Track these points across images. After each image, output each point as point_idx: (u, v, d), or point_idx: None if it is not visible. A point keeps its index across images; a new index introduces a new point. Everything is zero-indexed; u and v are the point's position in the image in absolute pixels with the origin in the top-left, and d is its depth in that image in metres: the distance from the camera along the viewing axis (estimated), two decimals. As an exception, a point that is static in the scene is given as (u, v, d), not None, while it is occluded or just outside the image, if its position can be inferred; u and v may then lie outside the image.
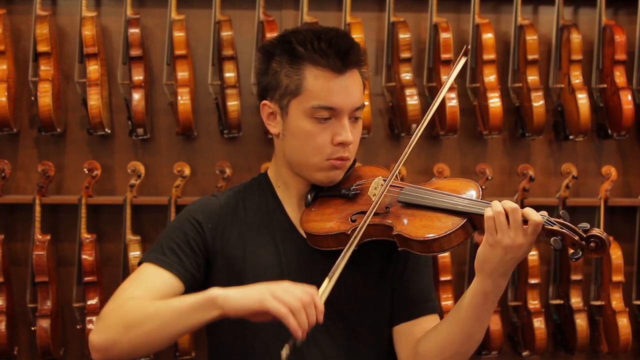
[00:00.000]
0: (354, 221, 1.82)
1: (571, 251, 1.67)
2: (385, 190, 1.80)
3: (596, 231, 1.66)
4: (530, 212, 1.68)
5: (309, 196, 1.91)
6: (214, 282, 1.87)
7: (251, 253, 1.88)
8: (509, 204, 1.69)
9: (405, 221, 1.77)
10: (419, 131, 1.85)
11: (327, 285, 1.68)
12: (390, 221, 1.79)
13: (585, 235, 1.66)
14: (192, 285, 1.85)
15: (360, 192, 1.89)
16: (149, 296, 1.77)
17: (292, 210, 1.93)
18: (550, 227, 1.68)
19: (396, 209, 1.81)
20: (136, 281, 1.82)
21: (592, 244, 1.66)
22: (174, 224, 1.91)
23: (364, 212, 1.82)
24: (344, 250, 1.72)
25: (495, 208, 1.70)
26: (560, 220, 1.68)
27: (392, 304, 1.93)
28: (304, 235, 1.89)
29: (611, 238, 4.03)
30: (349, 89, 1.84)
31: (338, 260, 1.71)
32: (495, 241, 1.69)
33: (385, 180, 1.85)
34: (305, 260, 1.88)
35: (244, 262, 1.87)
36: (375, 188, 1.87)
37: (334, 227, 1.83)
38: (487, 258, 1.71)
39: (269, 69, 1.87)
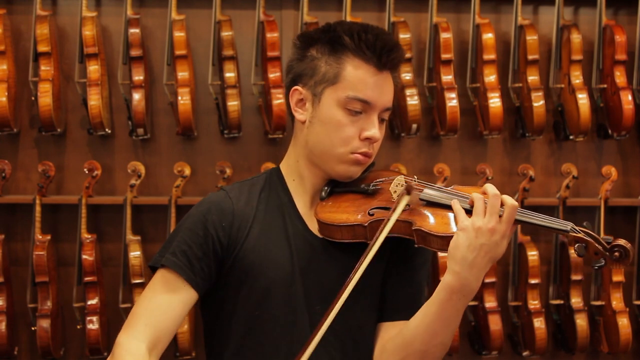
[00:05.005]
0: (372, 215, 1.83)
1: (594, 259, 1.70)
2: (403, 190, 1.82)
3: (621, 241, 1.69)
4: (505, 197, 1.72)
5: (324, 190, 1.92)
6: (227, 280, 1.88)
7: (263, 248, 1.87)
8: (491, 188, 1.73)
9: (425, 218, 1.79)
10: None
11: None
12: (409, 217, 1.80)
13: (608, 246, 1.69)
14: (204, 289, 1.87)
15: (380, 188, 1.90)
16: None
17: (304, 206, 1.93)
18: (575, 234, 1.71)
19: (416, 206, 1.83)
20: (155, 299, 1.84)
21: (615, 254, 1.68)
22: (187, 224, 1.89)
23: (382, 208, 1.84)
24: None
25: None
26: (585, 229, 1.72)
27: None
28: (314, 232, 1.89)
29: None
30: (384, 87, 1.86)
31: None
32: (467, 224, 1.71)
33: (406, 180, 1.86)
34: (316, 255, 1.88)
35: (255, 258, 1.86)
36: (397, 186, 1.87)
37: (350, 219, 1.84)
38: (458, 243, 1.71)
39: (307, 56, 1.89)
